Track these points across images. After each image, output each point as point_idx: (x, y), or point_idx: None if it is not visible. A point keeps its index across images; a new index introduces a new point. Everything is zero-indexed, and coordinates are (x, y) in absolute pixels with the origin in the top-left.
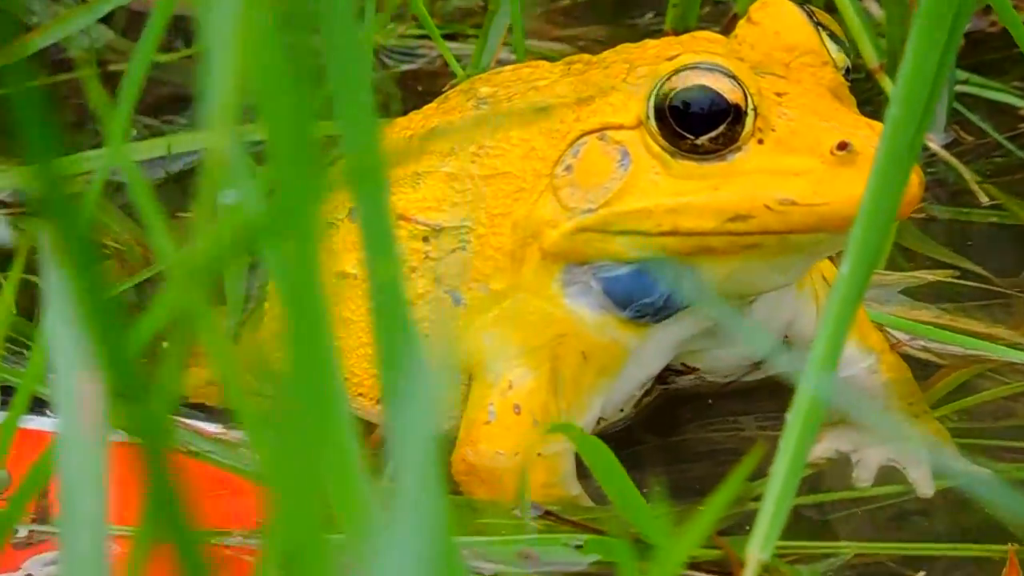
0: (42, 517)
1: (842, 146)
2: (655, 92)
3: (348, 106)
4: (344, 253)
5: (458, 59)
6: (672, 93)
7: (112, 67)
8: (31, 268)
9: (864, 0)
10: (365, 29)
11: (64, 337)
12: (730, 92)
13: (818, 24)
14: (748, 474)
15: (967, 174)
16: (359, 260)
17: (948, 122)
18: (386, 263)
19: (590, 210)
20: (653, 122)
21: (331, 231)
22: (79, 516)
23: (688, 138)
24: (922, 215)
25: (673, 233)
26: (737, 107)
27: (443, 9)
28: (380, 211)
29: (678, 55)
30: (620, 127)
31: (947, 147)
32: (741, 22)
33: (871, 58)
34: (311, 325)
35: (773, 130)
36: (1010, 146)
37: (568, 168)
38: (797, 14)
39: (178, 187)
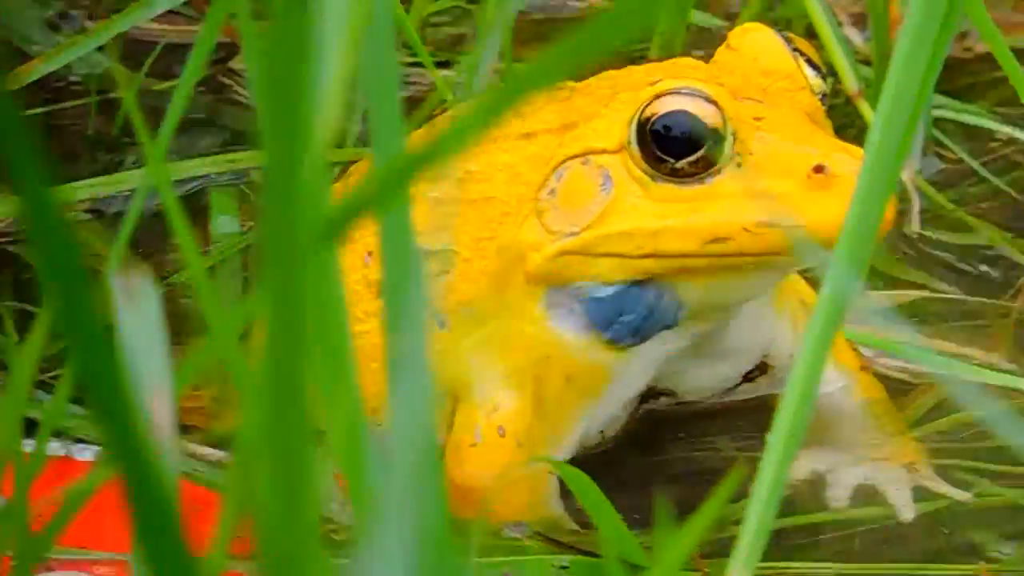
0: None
1: (818, 169)
2: (637, 117)
3: (381, 127)
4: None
5: (449, 86)
6: (653, 117)
7: (111, 95)
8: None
9: (844, 27)
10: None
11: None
12: (709, 116)
13: (795, 50)
14: (729, 496)
15: (943, 198)
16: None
17: (925, 146)
18: (405, 281)
19: (573, 233)
20: (635, 146)
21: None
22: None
23: (668, 161)
24: (898, 238)
25: (654, 255)
26: (716, 131)
27: (434, 36)
28: (403, 226)
29: (659, 80)
30: (603, 151)
31: (924, 171)
32: (720, 48)
33: (851, 84)
34: (334, 345)
35: (751, 154)
36: (985, 172)
37: (552, 192)
38: (775, 40)
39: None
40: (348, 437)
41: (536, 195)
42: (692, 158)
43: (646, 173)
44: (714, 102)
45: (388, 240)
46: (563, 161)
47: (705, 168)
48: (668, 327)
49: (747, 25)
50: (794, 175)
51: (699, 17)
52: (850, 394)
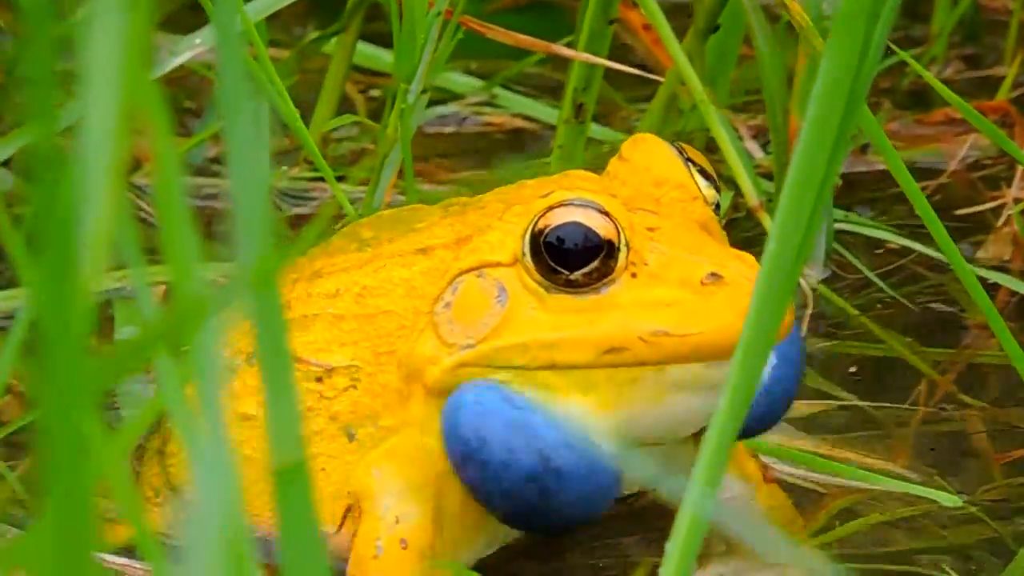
0: None
1: (712, 276)
2: (530, 229)
3: (249, 245)
4: (245, 396)
5: (350, 201)
6: (547, 230)
7: (15, 210)
8: None
9: (745, 140)
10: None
11: None
12: (603, 227)
13: (688, 160)
14: None
15: (846, 308)
16: (259, 402)
17: (827, 258)
18: (286, 403)
19: (469, 346)
20: (529, 258)
21: (231, 375)
22: None
23: (563, 273)
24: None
25: (550, 367)
26: (610, 242)
27: (334, 152)
28: (279, 348)
29: (551, 192)
30: (497, 264)
31: (825, 282)
32: (613, 159)
33: (751, 197)
34: (213, 456)
35: (645, 263)
36: (879, 282)
37: (447, 305)
38: (667, 150)
39: None
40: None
41: (432, 308)
42: (586, 269)
43: (540, 285)
44: (607, 213)
45: (263, 344)
46: (458, 275)
47: (599, 279)
48: None
49: (638, 136)
50: (688, 284)
51: (599, 132)
52: (752, 502)
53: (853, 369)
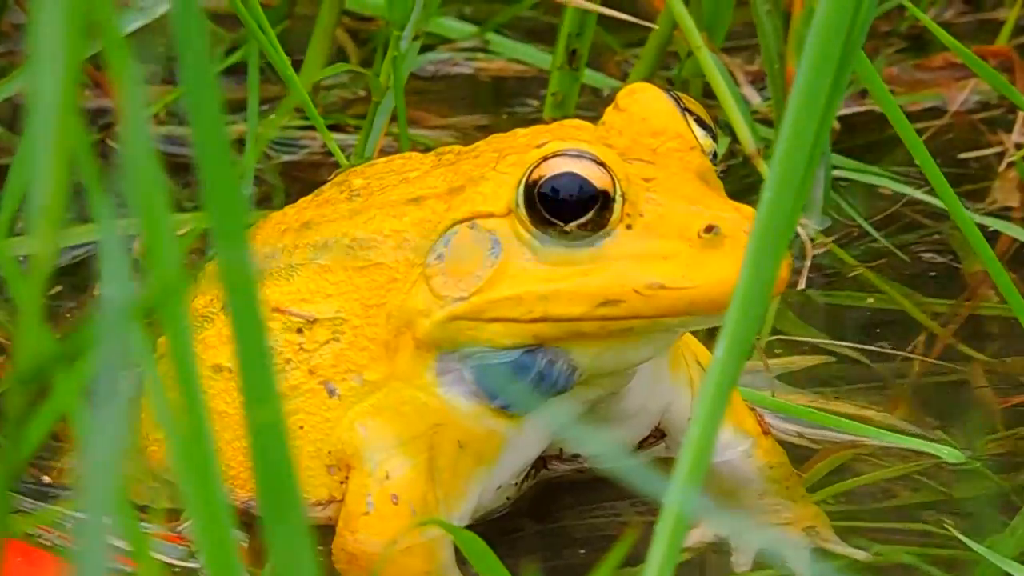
0: None
1: (709, 229)
2: (524, 179)
3: (219, 202)
4: (219, 347)
5: (341, 149)
6: (541, 180)
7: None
8: None
9: (742, 86)
10: (249, 121)
11: None
12: (598, 178)
13: (685, 110)
14: (621, 561)
15: (844, 258)
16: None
17: (825, 206)
18: (259, 363)
19: (462, 298)
20: (523, 209)
21: (205, 325)
22: None
23: (557, 224)
24: (800, 298)
25: (544, 319)
26: (605, 193)
27: (325, 99)
28: (251, 308)
29: (546, 142)
30: (490, 215)
31: (823, 231)
32: (609, 109)
33: (748, 144)
34: (190, 416)
35: (641, 215)
36: (876, 233)
37: (440, 257)
38: (664, 100)
39: (63, 280)
40: (208, 512)
41: (424, 260)
42: (581, 220)
43: (535, 236)
44: (602, 164)
45: (236, 308)
46: (451, 226)
47: (595, 230)
48: (560, 393)
49: (635, 85)
50: (685, 236)
51: (593, 78)
52: (751, 459)
53: (851, 320)
